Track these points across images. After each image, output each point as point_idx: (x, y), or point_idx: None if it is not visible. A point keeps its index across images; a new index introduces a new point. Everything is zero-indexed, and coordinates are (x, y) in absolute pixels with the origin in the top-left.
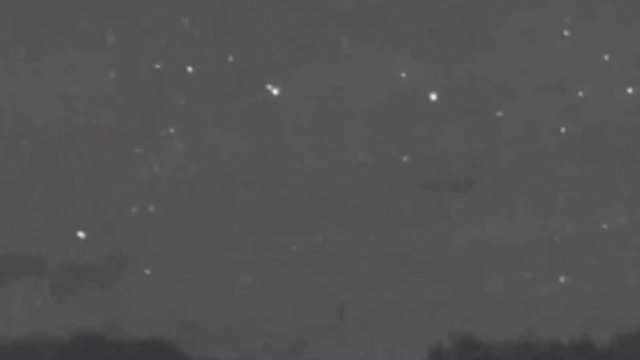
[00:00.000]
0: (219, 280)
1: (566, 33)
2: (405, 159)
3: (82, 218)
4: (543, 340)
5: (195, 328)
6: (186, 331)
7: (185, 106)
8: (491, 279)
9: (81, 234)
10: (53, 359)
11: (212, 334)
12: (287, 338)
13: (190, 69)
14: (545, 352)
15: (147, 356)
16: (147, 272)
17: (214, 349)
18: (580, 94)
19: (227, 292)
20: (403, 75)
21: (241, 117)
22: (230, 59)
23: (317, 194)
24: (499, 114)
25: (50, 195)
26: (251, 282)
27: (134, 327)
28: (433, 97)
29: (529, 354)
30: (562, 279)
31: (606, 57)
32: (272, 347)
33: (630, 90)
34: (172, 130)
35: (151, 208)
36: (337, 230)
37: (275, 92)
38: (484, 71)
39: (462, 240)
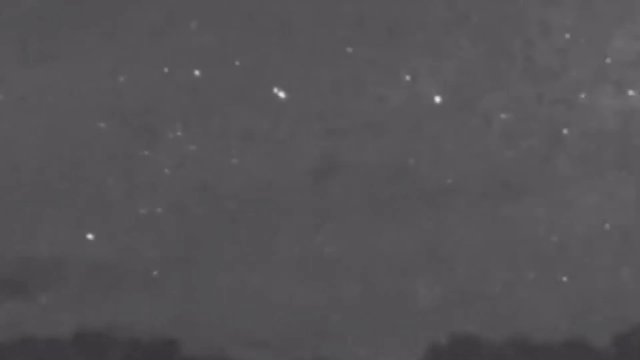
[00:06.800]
0: (225, 281)
1: (567, 36)
2: (411, 161)
3: (90, 220)
4: (543, 340)
5: (202, 329)
6: (193, 332)
7: (192, 109)
8: (491, 278)
9: (90, 236)
10: (57, 358)
11: (217, 334)
12: (287, 337)
13: (197, 72)
14: (545, 351)
15: (152, 356)
16: (155, 273)
17: (219, 350)
18: (582, 95)
19: (232, 292)
20: (407, 78)
21: (248, 120)
22: (237, 62)
23: (322, 195)
24: (503, 116)
25: (58, 197)
26: (256, 283)
27: (140, 328)
28: (437, 99)
29: (529, 354)
30: (562, 279)
31: (607, 60)
32: (272, 347)
33: (631, 92)
34: (179, 133)
35: (159, 210)
36: (339, 230)
37: (281, 95)
38: (487, 74)
39: (463, 240)
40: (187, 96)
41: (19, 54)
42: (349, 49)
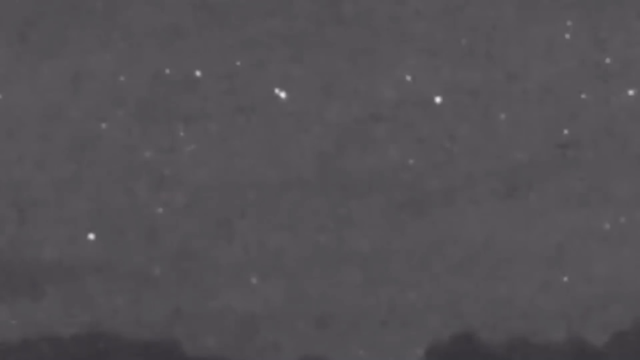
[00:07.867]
0: (226, 281)
1: (567, 36)
2: (411, 161)
3: (92, 220)
4: (543, 340)
5: (202, 329)
6: (193, 332)
7: (192, 109)
8: (491, 279)
9: (91, 236)
10: (57, 358)
11: (218, 334)
12: (287, 337)
13: (198, 73)
14: (545, 351)
15: (152, 356)
16: (155, 273)
17: (219, 350)
18: (583, 96)
19: (232, 292)
20: (408, 78)
21: (249, 120)
22: (238, 63)
23: (323, 196)
24: (502, 116)
25: (60, 198)
26: (256, 283)
27: (140, 328)
28: (438, 99)
29: (529, 354)
30: (563, 279)
31: (607, 60)
32: (272, 346)
33: (631, 92)
34: (181, 134)
35: (159, 210)
36: (339, 231)
37: (282, 95)
38: (487, 74)
39: (463, 240)
40: (187, 96)
41: (19, 53)
42: (349, 49)
